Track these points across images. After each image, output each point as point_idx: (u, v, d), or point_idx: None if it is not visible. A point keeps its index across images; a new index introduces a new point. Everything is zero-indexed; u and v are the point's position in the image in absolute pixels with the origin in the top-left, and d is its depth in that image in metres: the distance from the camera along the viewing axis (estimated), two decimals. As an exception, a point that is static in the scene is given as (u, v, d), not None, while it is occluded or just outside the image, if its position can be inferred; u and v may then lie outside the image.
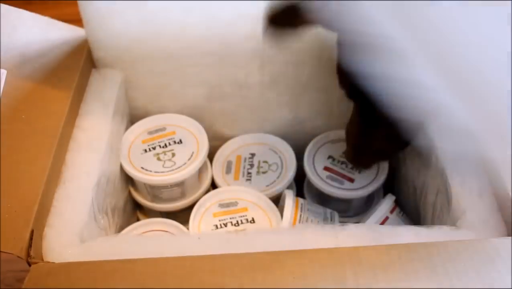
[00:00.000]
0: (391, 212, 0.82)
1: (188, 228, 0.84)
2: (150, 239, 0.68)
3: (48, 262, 0.63)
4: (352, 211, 0.93)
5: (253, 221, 0.83)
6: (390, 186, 0.94)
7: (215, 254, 0.61)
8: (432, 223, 0.78)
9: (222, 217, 0.84)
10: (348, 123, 0.82)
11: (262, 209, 0.85)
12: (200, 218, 0.84)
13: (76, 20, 0.85)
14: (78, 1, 0.82)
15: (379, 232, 0.65)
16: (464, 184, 0.70)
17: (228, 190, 0.88)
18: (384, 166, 0.91)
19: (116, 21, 0.85)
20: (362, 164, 0.85)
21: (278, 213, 0.84)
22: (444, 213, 0.73)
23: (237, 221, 0.83)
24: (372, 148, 0.79)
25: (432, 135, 0.78)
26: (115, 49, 0.88)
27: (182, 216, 0.93)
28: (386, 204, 0.83)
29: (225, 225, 0.83)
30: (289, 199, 0.83)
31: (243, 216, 0.84)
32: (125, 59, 0.89)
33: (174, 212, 0.93)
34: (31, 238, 0.63)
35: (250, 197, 0.87)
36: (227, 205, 0.85)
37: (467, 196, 0.69)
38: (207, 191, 0.95)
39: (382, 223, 0.82)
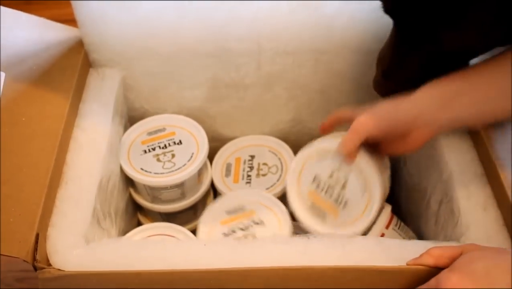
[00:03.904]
0: (387, 227, 0.80)
1: (188, 230, 0.85)
2: (156, 243, 0.68)
3: (54, 268, 0.63)
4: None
5: (261, 222, 0.83)
6: (392, 186, 0.94)
7: (223, 268, 0.62)
8: (436, 234, 0.79)
9: (230, 224, 0.83)
10: (382, 48, 0.78)
11: (269, 208, 0.84)
12: (208, 229, 0.83)
13: (75, 20, 0.84)
14: (72, 4, 0.82)
15: (387, 245, 0.66)
16: (469, 198, 0.71)
17: (234, 196, 0.87)
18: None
19: (110, 24, 0.85)
20: (387, 91, 0.77)
21: (284, 209, 0.83)
22: (449, 225, 0.74)
23: (246, 226, 0.83)
24: (402, 75, 0.74)
25: (437, 144, 0.78)
26: (110, 51, 0.88)
27: (182, 216, 0.94)
28: (381, 221, 0.80)
29: (234, 231, 0.82)
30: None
31: (251, 219, 0.83)
32: (121, 61, 0.90)
33: (174, 213, 0.93)
34: (36, 242, 0.63)
35: (256, 198, 0.86)
36: (235, 211, 0.85)
37: (472, 210, 0.70)
38: (207, 192, 0.95)
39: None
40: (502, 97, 0.66)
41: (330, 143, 0.76)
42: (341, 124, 0.80)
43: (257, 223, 0.83)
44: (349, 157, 0.73)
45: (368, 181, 0.75)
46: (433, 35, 0.68)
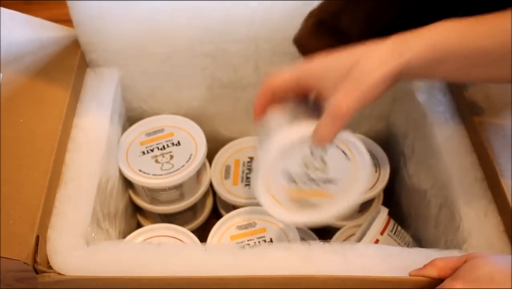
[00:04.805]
0: (382, 232, 0.80)
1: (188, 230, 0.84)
2: (157, 247, 0.68)
3: (54, 272, 0.63)
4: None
5: (271, 241, 0.82)
6: (391, 186, 0.95)
7: (224, 276, 0.62)
8: (436, 237, 0.79)
9: (240, 240, 0.83)
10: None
11: (280, 228, 0.84)
12: (217, 242, 0.83)
13: (75, 20, 0.84)
14: (68, 4, 0.82)
15: (389, 253, 0.65)
16: (470, 203, 0.71)
17: (246, 212, 0.86)
18: (383, 178, 0.91)
19: (107, 24, 0.85)
20: (315, 46, 0.65)
21: (296, 232, 0.83)
22: (449, 230, 0.74)
23: (255, 243, 0.82)
24: (337, 27, 0.64)
25: (436, 147, 0.78)
26: (107, 51, 0.88)
27: (181, 217, 0.94)
28: (375, 227, 0.80)
29: (243, 248, 0.81)
30: None
31: (261, 237, 0.83)
32: (118, 61, 0.89)
33: (173, 214, 0.93)
34: (36, 244, 0.63)
35: (268, 217, 0.85)
36: (245, 226, 0.84)
37: (473, 215, 0.70)
38: (206, 193, 0.95)
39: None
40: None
41: (286, 135, 0.62)
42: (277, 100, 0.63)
43: (266, 242, 0.82)
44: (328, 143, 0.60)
45: (349, 146, 0.64)
46: None
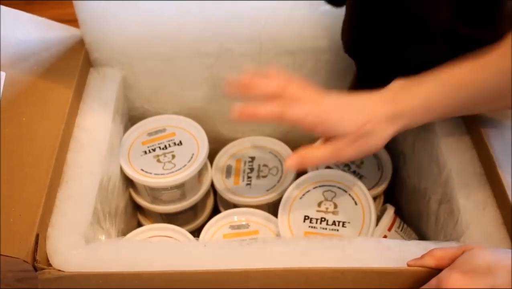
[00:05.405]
0: (389, 229, 0.81)
1: (188, 230, 0.84)
2: (156, 244, 0.68)
3: (54, 269, 0.63)
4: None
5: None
6: (392, 186, 0.95)
7: (223, 269, 0.62)
8: (436, 233, 0.79)
9: (232, 239, 0.83)
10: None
11: (273, 232, 0.85)
12: (210, 239, 0.84)
13: (76, 20, 0.84)
14: (74, 3, 0.82)
15: (387, 246, 0.65)
16: (469, 197, 0.71)
17: (240, 212, 0.87)
18: (386, 176, 0.91)
19: (112, 23, 0.85)
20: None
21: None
22: (449, 225, 0.74)
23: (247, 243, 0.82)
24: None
25: (436, 143, 0.78)
26: (111, 51, 0.88)
27: (182, 217, 0.94)
28: (383, 223, 0.81)
29: (242, 243, 0.81)
30: None
31: (254, 238, 0.83)
32: (121, 60, 0.90)
33: (174, 214, 0.93)
34: (36, 242, 0.63)
35: (262, 220, 0.86)
36: (238, 227, 0.85)
37: (472, 209, 0.70)
38: (207, 193, 0.95)
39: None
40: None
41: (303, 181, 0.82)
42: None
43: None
44: None
45: (356, 193, 0.79)
46: (384, 77, 0.71)
